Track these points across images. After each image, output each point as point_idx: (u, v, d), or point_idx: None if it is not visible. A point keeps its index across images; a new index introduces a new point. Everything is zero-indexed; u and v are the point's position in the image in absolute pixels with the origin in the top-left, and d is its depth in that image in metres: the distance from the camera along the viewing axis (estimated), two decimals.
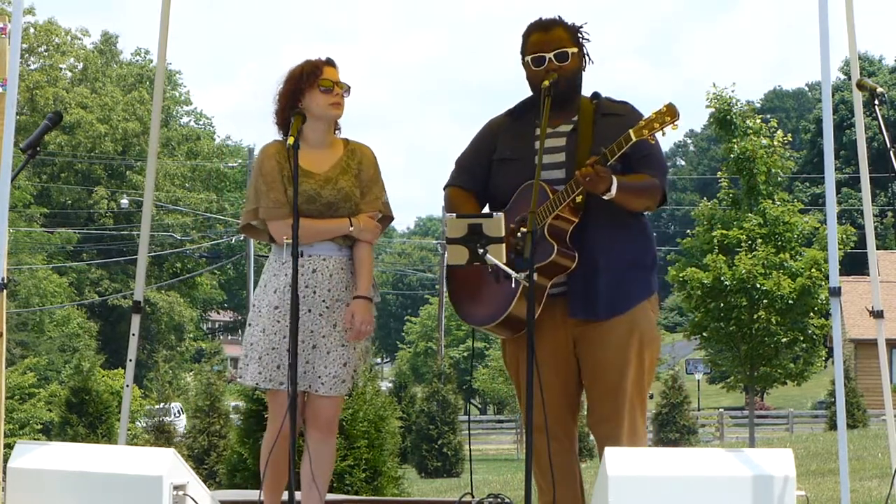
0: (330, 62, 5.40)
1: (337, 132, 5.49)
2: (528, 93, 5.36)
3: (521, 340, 5.19)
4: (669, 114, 4.96)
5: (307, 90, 5.33)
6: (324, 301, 5.28)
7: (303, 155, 5.26)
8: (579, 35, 5.31)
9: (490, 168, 5.37)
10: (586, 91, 5.36)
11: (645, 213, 5.37)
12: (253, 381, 5.34)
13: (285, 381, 5.22)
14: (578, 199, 5.09)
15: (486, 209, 5.37)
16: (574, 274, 5.14)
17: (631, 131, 4.98)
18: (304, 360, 5.25)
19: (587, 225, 5.14)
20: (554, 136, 5.23)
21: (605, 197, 5.02)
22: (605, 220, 5.14)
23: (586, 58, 5.33)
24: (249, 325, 5.41)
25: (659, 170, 5.23)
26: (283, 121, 5.38)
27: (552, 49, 5.22)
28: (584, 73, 5.33)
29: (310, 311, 5.27)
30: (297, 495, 5.30)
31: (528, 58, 5.26)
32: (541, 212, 5.08)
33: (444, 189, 5.51)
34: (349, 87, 5.39)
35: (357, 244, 5.38)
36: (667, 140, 5.38)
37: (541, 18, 5.32)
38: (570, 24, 5.32)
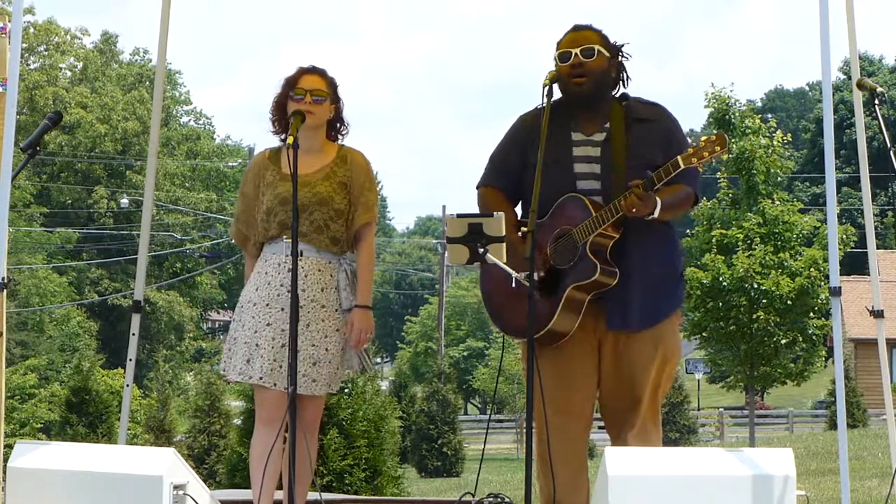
0: (310, 70, 5.48)
1: (341, 136, 5.55)
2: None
3: (546, 348, 5.18)
4: (720, 143, 4.93)
5: (288, 99, 5.45)
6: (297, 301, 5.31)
7: (287, 159, 5.38)
8: (619, 53, 5.27)
9: (523, 169, 5.30)
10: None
11: None
12: (230, 375, 5.44)
13: (253, 374, 5.34)
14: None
15: (519, 208, 5.35)
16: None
17: (679, 159, 4.95)
18: (272, 358, 5.34)
19: (624, 237, 5.13)
20: (587, 144, 5.20)
21: (648, 218, 5.03)
22: (640, 231, 5.13)
23: (623, 76, 5.28)
24: (233, 320, 5.52)
25: (693, 177, 5.19)
26: (276, 131, 5.52)
27: (579, 45, 5.19)
28: (616, 82, 5.28)
29: (283, 310, 5.34)
30: (279, 494, 5.32)
31: (556, 54, 5.23)
32: (583, 228, 5.07)
33: (478, 188, 5.45)
34: (328, 94, 5.45)
35: (359, 250, 5.43)
36: None
37: (576, 24, 5.31)
38: (599, 29, 5.29)
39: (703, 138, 4.99)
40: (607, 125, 5.21)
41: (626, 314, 5.14)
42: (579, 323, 5.14)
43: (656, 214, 5.01)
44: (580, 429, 5.29)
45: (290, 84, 5.45)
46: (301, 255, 5.29)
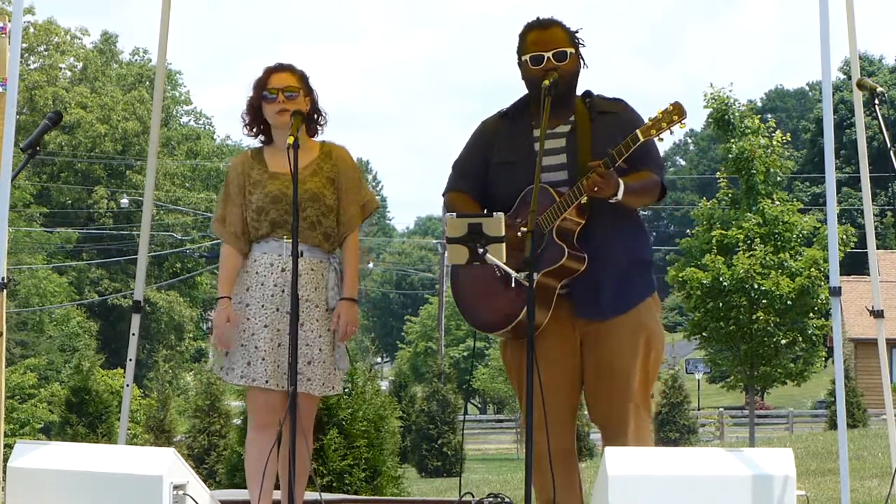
0: (278, 68, 5.46)
1: (320, 127, 5.54)
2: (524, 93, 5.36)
3: (524, 342, 5.19)
4: (676, 112, 4.96)
5: (262, 101, 5.44)
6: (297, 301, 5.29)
7: (272, 158, 5.44)
8: (576, 39, 5.29)
9: (488, 171, 5.35)
10: (578, 90, 5.34)
11: (639, 210, 5.38)
12: (226, 376, 5.46)
13: (257, 377, 5.35)
14: (584, 200, 5.09)
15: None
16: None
17: (638, 131, 4.99)
18: (272, 360, 5.35)
19: (589, 223, 5.14)
20: (552, 137, 5.21)
21: (611, 200, 5.03)
22: (606, 218, 5.14)
23: (581, 61, 5.31)
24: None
25: (658, 165, 5.25)
26: (250, 133, 5.53)
27: (550, 48, 5.20)
28: (579, 75, 5.32)
29: (278, 310, 5.35)
30: (277, 494, 5.33)
31: (526, 57, 5.23)
32: (547, 215, 5.08)
33: (444, 195, 5.49)
34: (300, 88, 5.41)
35: (346, 244, 5.44)
36: (667, 140, 5.34)
37: (538, 18, 5.31)
38: (562, 23, 5.29)
39: (661, 110, 4.99)
40: (572, 118, 5.24)
41: (598, 301, 5.15)
42: (558, 319, 5.13)
43: (620, 196, 5.01)
44: (566, 426, 5.29)
45: (261, 85, 5.43)
46: (301, 255, 5.28)
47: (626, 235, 5.22)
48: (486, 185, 5.36)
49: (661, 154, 5.38)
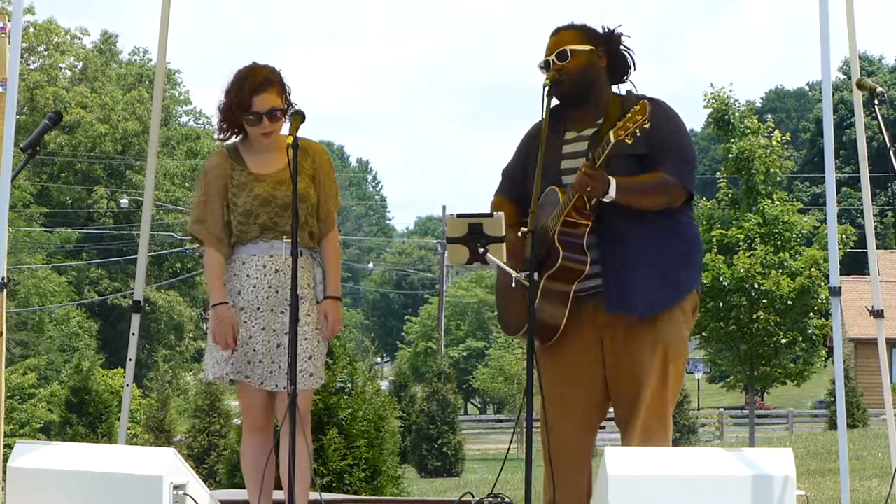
0: (261, 86, 5.33)
1: (288, 116, 5.42)
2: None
3: (547, 347, 5.19)
4: (640, 112, 4.92)
5: (242, 119, 5.36)
6: (286, 300, 5.28)
7: (251, 158, 5.42)
8: (609, 40, 5.25)
9: (525, 176, 5.35)
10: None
11: (691, 212, 5.30)
12: (222, 371, 5.36)
13: (252, 375, 5.32)
14: (593, 201, 5.05)
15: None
16: (606, 270, 5.09)
17: (610, 133, 4.93)
18: (270, 361, 5.33)
19: (613, 221, 5.09)
20: (579, 140, 5.22)
21: (605, 199, 4.99)
22: (632, 216, 5.10)
23: (630, 61, 5.27)
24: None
25: (677, 165, 5.13)
26: (223, 136, 5.46)
27: (553, 51, 5.23)
28: (613, 69, 5.27)
29: (272, 310, 5.34)
30: (278, 494, 5.32)
31: (539, 65, 5.28)
32: (553, 217, 5.06)
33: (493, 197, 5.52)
34: (282, 101, 5.34)
35: (328, 241, 5.43)
36: None
37: (557, 27, 5.33)
38: (581, 24, 5.28)
39: (631, 110, 4.96)
40: (600, 121, 5.21)
41: (622, 297, 5.09)
42: (579, 320, 5.11)
43: (612, 194, 4.97)
44: (581, 430, 5.26)
45: (243, 106, 5.33)
46: (281, 256, 5.29)
47: (653, 234, 5.13)
48: (526, 189, 5.34)
49: None
